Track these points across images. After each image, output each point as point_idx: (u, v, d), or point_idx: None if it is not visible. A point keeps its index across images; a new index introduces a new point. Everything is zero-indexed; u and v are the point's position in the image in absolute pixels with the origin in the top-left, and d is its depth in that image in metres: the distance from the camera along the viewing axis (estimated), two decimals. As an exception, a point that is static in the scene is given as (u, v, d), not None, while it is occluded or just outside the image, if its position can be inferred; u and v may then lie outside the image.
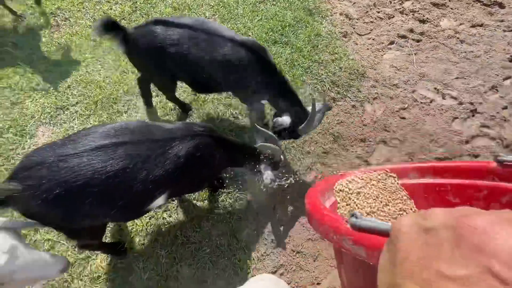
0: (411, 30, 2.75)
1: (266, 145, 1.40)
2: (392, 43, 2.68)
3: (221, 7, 2.63)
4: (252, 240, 1.60)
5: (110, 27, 1.37)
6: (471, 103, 2.27)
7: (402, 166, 0.99)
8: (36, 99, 1.98)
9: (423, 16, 2.87)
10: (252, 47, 1.47)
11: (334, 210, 0.86)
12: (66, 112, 1.96)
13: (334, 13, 2.79)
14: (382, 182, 0.93)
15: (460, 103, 2.27)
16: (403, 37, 2.71)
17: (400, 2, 3.00)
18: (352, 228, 0.55)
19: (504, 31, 2.85)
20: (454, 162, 0.92)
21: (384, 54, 2.59)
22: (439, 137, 2.06)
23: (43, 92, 2.01)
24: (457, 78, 2.43)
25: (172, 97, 1.87)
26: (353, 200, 0.86)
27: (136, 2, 2.61)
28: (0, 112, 1.91)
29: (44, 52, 2.23)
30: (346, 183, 0.91)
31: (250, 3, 2.68)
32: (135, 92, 2.09)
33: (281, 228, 1.65)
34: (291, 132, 1.56)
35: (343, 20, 2.75)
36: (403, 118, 2.15)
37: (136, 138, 1.06)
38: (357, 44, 2.61)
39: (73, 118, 1.94)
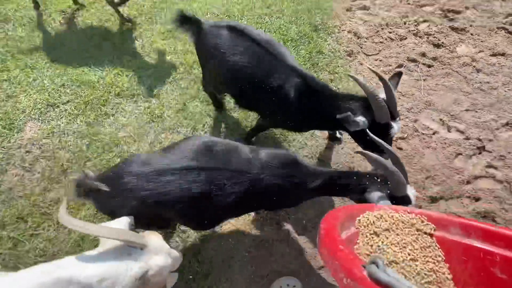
0: (423, 54, 2.59)
1: (380, 161, 1.05)
2: (400, 66, 2.53)
3: (225, 16, 2.61)
4: (215, 265, 1.52)
5: (185, 20, 1.49)
6: (479, 139, 2.08)
7: (445, 216, 0.85)
8: (30, 94, 2.02)
9: (439, 40, 2.70)
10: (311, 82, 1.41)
11: (351, 243, 0.76)
12: (56, 109, 1.99)
13: (342, 30, 2.68)
14: (415, 232, 0.81)
15: (467, 138, 2.09)
16: (413, 60, 2.55)
17: (416, 24, 2.84)
18: (369, 278, 0.47)
19: (529, 62, 2.62)
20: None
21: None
22: (437, 174, 1.89)
23: (38, 88, 2.06)
24: (467, 110, 2.25)
25: (213, 94, 1.92)
26: (376, 242, 0.77)
27: (144, 6, 2.65)
28: (-6, 104, 1.97)
29: (48, 48, 2.29)
30: (374, 219, 0.80)
31: (257, 15, 2.64)
32: (126, 95, 2.09)
33: (248, 255, 1.56)
34: (376, 129, 1.27)
35: (351, 38, 2.63)
36: (400, 148, 2.00)
37: (215, 165, 1.08)
38: (362, 64, 2.49)
39: (62, 116, 1.96)
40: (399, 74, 1.42)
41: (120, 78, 2.15)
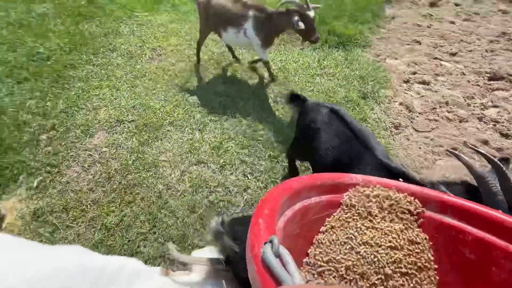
0: (486, 142, 2.33)
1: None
2: (455, 149, 2.31)
3: (281, 71, 2.86)
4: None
5: (293, 99, 1.75)
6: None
7: (425, 191, 0.77)
8: (108, 110, 2.51)
9: (509, 130, 2.41)
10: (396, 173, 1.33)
11: (308, 213, 0.71)
12: (121, 125, 2.40)
13: (394, 101, 2.64)
14: (407, 223, 0.74)
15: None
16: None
17: (482, 107, 2.62)
18: (261, 256, 0.46)
19: None
20: (492, 211, 0.69)
21: (439, 159, 2.25)
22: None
23: (115, 106, 2.54)
24: (533, 218, 1.88)
25: (291, 162, 2.01)
26: (355, 219, 0.72)
27: (214, 53, 3.11)
28: (82, 112, 2.49)
29: (133, 75, 2.84)
30: (363, 199, 0.74)
31: (309, 74, 2.82)
32: (177, 125, 2.40)
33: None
34: None
35: (401, 111, 2.56)
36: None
37: None
38: (408, 139, 2.37)
39: (123, 132, 2.35)
40: (507, 161, 1.17)
41: (177, 109, 2.51)
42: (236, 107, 2.53)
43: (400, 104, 2.61)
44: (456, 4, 3.94)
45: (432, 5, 3.96)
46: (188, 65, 2.96)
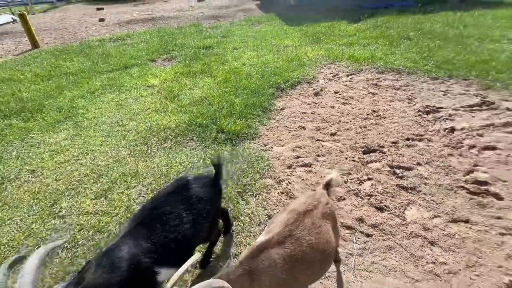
0: (361, 220, 2.30)
1: None
2: (333, 233, 2.22)
3: (164, 175, 2.80)
4: None
5: None
6: None
7: None
8: None
9: (381, 202, 2.45)
10: None
11: None
12: None
13: (274, 191, 2.64)
14: None
15: None
16: (349, 228, 2.25)
17: (359, 182, 2.72)
18: None
19: (502, 234, 2.13)
20: None
21: (318, 249, 2.10)
22: None
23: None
24: (411, 308, 1.69)
25: None
26: None
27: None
28: None
29: (-5, 205, 2.53)
30: None
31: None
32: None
33: None
34: None
35: (281, 199, 2.53)
36: None
37: None
38: (287, 230, 2.25)
39: None
40: None
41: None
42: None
43: (281, 193, 2.61)
44: (336, 92, 4.65)
45: (316, 94, 4.62)
46: (62, 185, 2.78)
